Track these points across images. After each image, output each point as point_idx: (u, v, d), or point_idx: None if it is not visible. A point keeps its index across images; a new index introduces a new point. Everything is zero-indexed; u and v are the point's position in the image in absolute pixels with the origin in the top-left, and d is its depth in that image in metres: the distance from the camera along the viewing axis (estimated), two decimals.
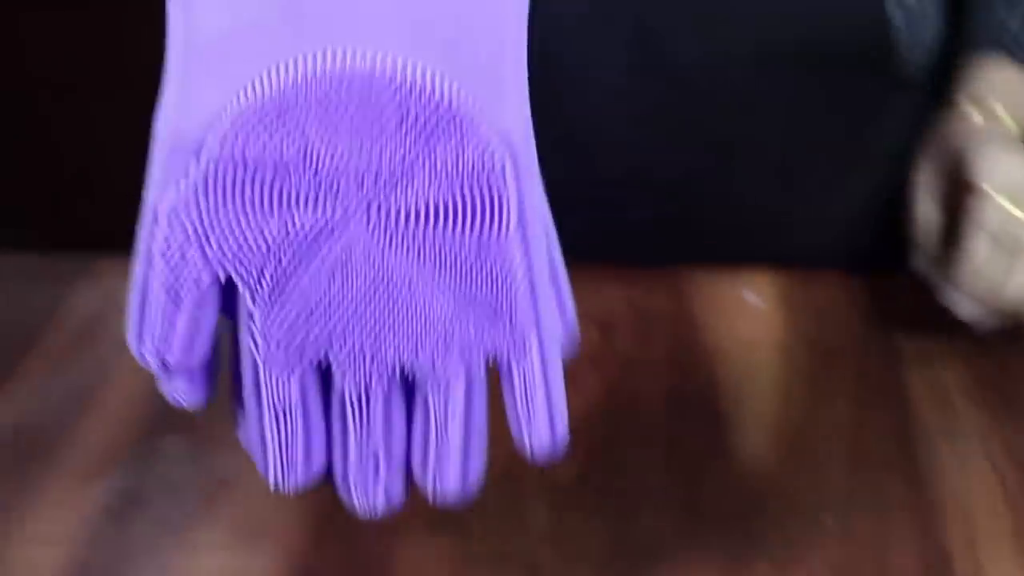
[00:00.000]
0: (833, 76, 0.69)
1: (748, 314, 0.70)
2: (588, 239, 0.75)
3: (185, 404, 0.46)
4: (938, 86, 0.71)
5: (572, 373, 0.65)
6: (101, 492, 0.61)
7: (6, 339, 0.72)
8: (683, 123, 0.72)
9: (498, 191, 0.41)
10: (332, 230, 0.41)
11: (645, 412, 0.63)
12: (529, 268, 0.42)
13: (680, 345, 0.68)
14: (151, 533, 0.59)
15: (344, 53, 0.40)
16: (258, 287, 0.42)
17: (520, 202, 0.41)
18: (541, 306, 0.43)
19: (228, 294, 0.44)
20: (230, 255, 0.42)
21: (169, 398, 0.46)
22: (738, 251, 0.75)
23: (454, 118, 0.40)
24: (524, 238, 0.42)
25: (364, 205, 0.41)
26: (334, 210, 0.41)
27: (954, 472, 0.59)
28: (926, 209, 0.67)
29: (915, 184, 0.68)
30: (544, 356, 0.44)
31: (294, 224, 0.41)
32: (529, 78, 0.70)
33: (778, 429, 0.62)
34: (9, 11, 1.17)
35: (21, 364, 0.70)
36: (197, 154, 0.41)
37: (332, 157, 0.40)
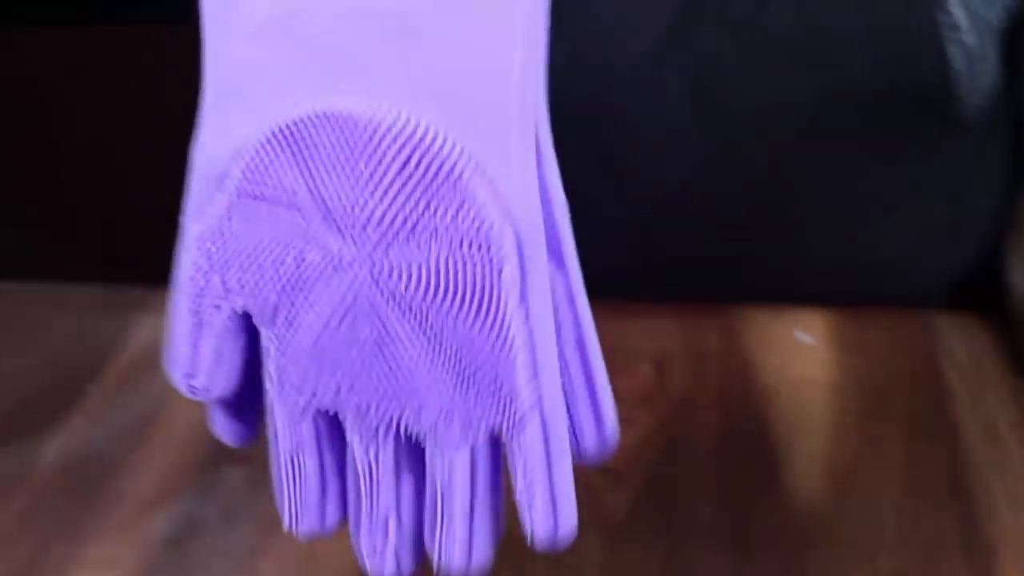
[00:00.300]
0: (892, 117, 0.70)
1: (800, 353, 0.70)
2: (644, 275, 0.76)
3: (226, 440, 0.47)
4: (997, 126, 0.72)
5: (626, 410, 0.66)
6: (161, 520, 0.62)
7: (69, 370, 0.74)
8: (744, 163, 0.72)
9: (495, 262, 0.39)
10: (340, 275, 0.41)
11: (697, 449, 0.64)
12: (531, 345, 0.40)
13: (733, 383, 0.68)
14: (210, 562, 0.60)
15: (353, 98, 0.39)
16: (272, 323, 0.42)
17: (522, 276, 0.39)
18: (546, 386, 0.40)
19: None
20: (247, 288, 0.42)
21: (216, 434, 0.47)
22: (791, 289, 0.75)
23: (454, 177, 0.39)
24: (526, 313, 0.40)
25: (368, 254, 0.40)
26: (341, 255, 0.40)
27: (1006, 511, 0.59)
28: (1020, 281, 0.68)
29: (1012, 254, 0.68)
30: (548, 438, 0.41)
31: (306, 263, 0.41)
32: (598, 118, 0.71)
33: (830, 467, 0.62)
34: (71, 45, 1.20)
35: (83, 394, 0.71)
36: (223, 185, 0.42)
37: (339, 202, 0.40)
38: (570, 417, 0.43)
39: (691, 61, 0.68)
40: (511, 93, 0.39)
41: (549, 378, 0.41)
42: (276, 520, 0.46)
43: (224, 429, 0.46)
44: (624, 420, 0.66)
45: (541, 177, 0.41)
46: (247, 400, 0.45)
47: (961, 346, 0.69)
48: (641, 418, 0.66)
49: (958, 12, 0.66)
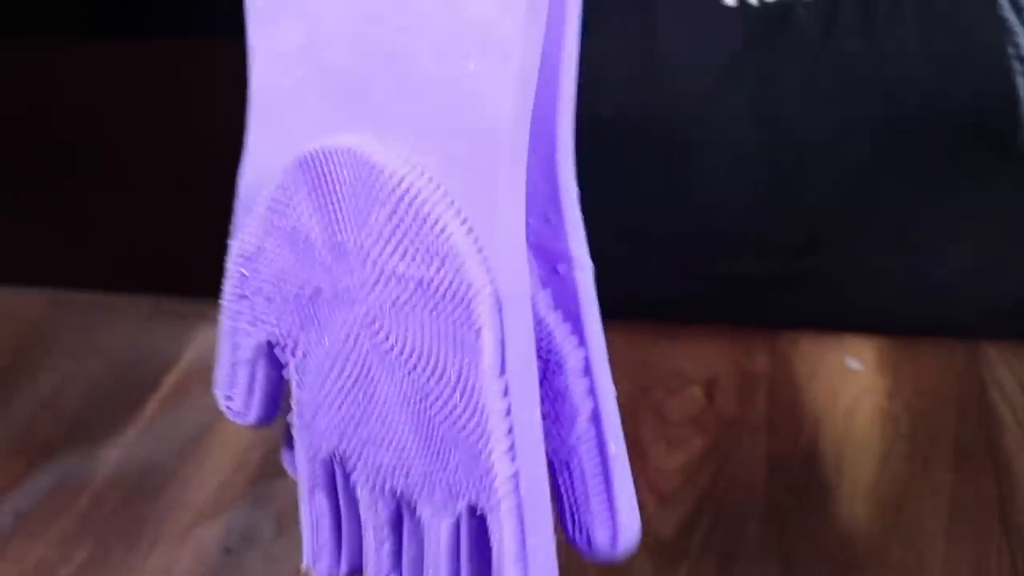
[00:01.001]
0: (952, 145, 0.70)
1: (849, 379, 0.70)
2: (698, 298, 0.77)
3: (290, 471, 0.46)
4: None
5: (678, 432, 0.67)
6: (217, 529, 0.63)
7: (128, 381, 0.75)
8: (804, 192, 0.73)
9: (475, 326, 0.36)
10: (344, 310, 0.39)
11: (746, 471, 0.64)
12: (509, 419, 0.36)
13: (782, 407, 0.69)
14: (263, 570, 0.61)
15: (361, 136, 0.38)
16: (292, 356, 0.42)
17: (500, 344, 0.36)
18: (525, 464, 0.37)
19: None
20: (273, 317, 0.42)
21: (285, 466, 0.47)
22: (843, 315, 0.76)
23: (438, 229, 0.37)
24: (505, 386, 0.36)
25: (365, 295, 0.39)
26: (348, 285, 0.39)
27: None
28: None
29: None
30: (523, 519, 0.37)
31: (320, 299, 0.40)
32: (664, 142, 0.71)
33: (877, 494, 0.62)
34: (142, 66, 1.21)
35: (142, 405, 0.73)
36: (255, 209, 0.42)
37: (346, 234, 0.39)
38: (581, 499, 0.40)
39: (755, 88, 0.69)
40: (500, 148, 0.36)
41: (530, 455, 0.37)
42: None
43: (285, 459, 0.46)
44: (674, 442, 0.67)
45: (564, 238, 0.39)
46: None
47: (1010, 376, 0.70)
48: (690, 440, 0.67)
49: None
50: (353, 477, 0.42)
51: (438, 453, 0.38)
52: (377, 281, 0.38)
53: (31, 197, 1.25)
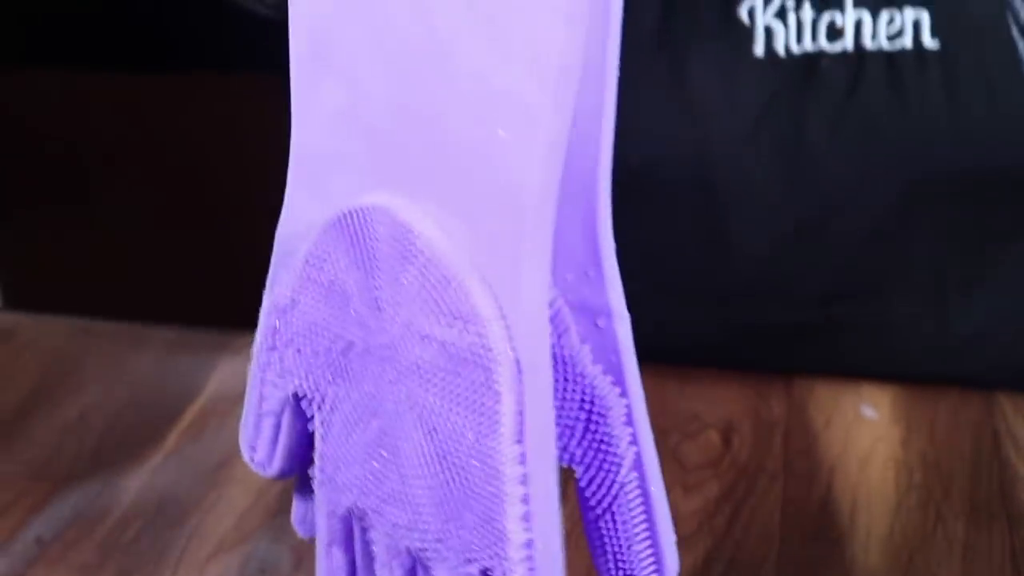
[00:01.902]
0: (974, 200, 0.71)
1: (865, 428, 0.71)
2: (718, 343, 0.78)
3: (298, 531, 0.47)
4: None
5: (694, 476, 0.68)
6: (237, 560, 0.64)
7: (151, 410, 0.76)
8: (828, 243, 0.74)
9: (496, 394, 0.36)
10: (374, 366, 0.40)
11: (761, 517, 0.65)
12: (526, 493, 0.36)
13: (797, 453, 0.69)
14: None
15: (395, 197, 0.39)
16: (319, 410, 0.42)
17: (519, 411, 0.36)
18: (539, 531, 0.37)
19: None
20: (302, 370, 0.42)
21: (293, 524, 0.47)
22: (860, 364, 0.76)
23: (463, 292, 0.37)
24: (524, 456, 0.36)
25: (394, 352, 0.39)
26: (379, 349, 0.39)
27: None
28: None
29: None
30: None
31: (350, 348, 0.41)
32: (691, 190, 0.72)
33: (890, 543, 0.63)
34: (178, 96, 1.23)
35: (165, 435, 0.74)
36: (292, 264, 0.42)
37: (380, 292, 0.39)
38: (624, 546, 0.40)
39: (782, 139, 0.70)
40: (525, 215, 0.36)
41: (545, 523, 0.37)
42: None
43: (298, 520, 0.46)
44: (690, 486, 0.67)
45: (602, 291, 0.40)
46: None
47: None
48: (706, 484, 0.67)
49: None
50: (370, 534, 0.42)
51: (453, 515, 0.38)
52: (404, 339, 0.38)
53: (61, 228, 1.27)
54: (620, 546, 0.40)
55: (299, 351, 0.42)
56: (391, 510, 0.40)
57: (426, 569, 0.40)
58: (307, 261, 0.42)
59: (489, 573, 0.38)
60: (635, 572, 0.40)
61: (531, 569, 0.37)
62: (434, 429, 0.38)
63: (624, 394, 0.40)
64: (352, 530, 0.43)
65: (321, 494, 0.43)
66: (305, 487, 0.45)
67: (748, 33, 0.70)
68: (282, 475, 0.45)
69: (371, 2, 0.39)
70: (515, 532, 0.36)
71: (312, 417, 0.43)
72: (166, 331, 0.84)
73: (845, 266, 0.75)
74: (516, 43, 0.35)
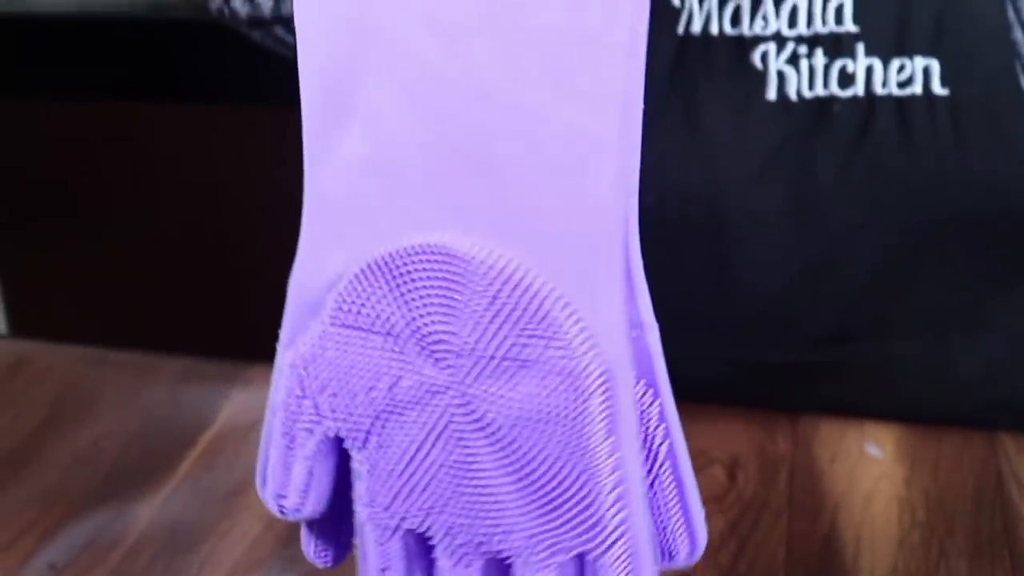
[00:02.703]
0: (980, 242, 0.72)
1: (869, 465, 0.72)
2: (724, 382, 0.78)
3: (318, 562, 0.47)
4: None
5: None
6: None
7: (164, 439, 0.77)
8: (836, 283, 0.74)
9: (586, 397, 0.40)
10: (432, 402, 0.41)
11: (765, 553, 0.65)
12: (619, 480, 0.40)
13: (802, 490, 0.70)
14: None
15: (447, 234, 0.40)
16: (363, 447, 0.43)
17: (610, 414, 0.40)
18: (634, 512, 0.41)
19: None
20: (341, 413, 0.43)
21: (307, 556, 0.47)
22: (865, 403, 0.77)
23: (541, 313, 0.39)
24: (616, 445, 0.40)
25: (460, 380, 0.41)
26: (436, 376, 0.41)
27: None
28: None
29: None
30: (632, 560, 0.41)
31: (400, 389, 0.42)
32: (701, 229, 0.73)
33: None
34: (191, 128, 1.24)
35: (178, 464, 0.74)
36: (318, 314, 0.43)
37: (433, 329, 0.41)
38: (662, 525, 0.44)
39: (793, 181, 0.71)
40: (600, 234, 0.39)
41: (636, 501, 0.41)
42: None
43: (315, 551, 0.47)
44: None
45: (633, 303, 0.41)
46: (337, 522, 0.46)
47: None
48: (711, 519, 0.67)
49: None
50: (438, 547, 0.43)
51: (542, 513, 0.41)
52: (476, 367, 0.40)
53: (76, 259, 1.28)
54: (658, 527, 0.44)
55: (335, 395, 0.43)
56: (468, 522, 0.42)
57: (502, 570, 0.43)
58: (339, 308, 0.42)
59: (585, 555, 0.41)
60: (674, 548, 0.44)
61: (628, 547, 0.40)
62: (514, 443, 0.40)
63: (657, 394, 0.43)
64: (407, 554, 0.44)
65: (374, 526, 0.44)
66: (324, 521, 0.46)
67: (761, 77, 0.71)
68: (312, 516, 0.45)
69: (394, 50, 0.40)
70: (612, 518, 0.40)
71: (352, 455, 0.44)
72: (178, 361, 0.85)
73: (852, 306, 0.76)
74: (576, 80, 0.38)
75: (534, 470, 0.41)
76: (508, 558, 0.43)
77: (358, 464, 0.43)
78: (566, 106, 0.38)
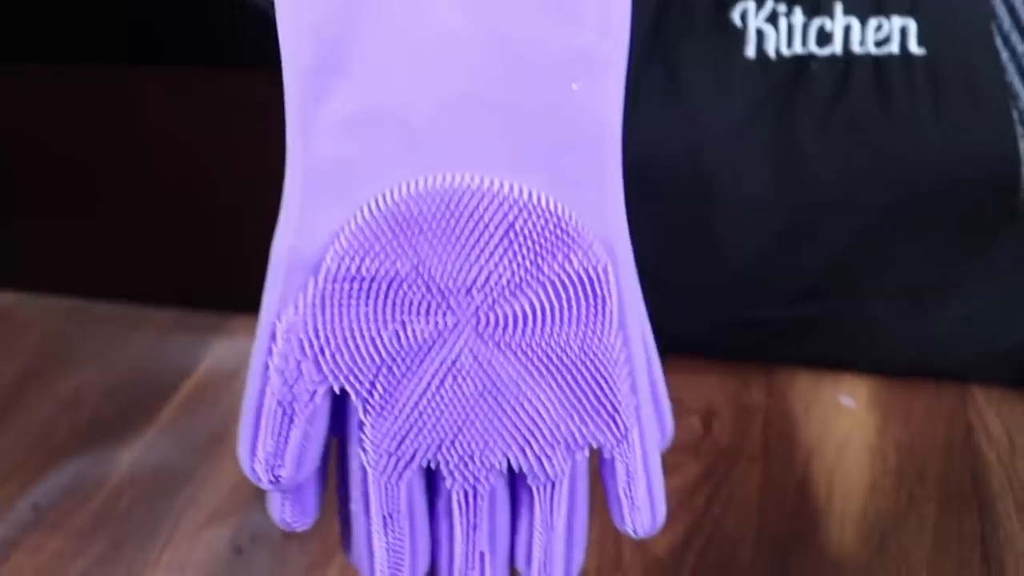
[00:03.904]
0: (957, 202, 0.72)
1: (842, 415, 0.73)
2: (701, 338, 0.79)
3: (294, 527, 0.47)
4: None
5: (674, 458, 0.69)
6: (229, 529, 0.66)
7: (146, 387, 0.77)
8: (813, 241, 0.75)
9: (601, 295, 0.43)
10: (443, 339, 0.43)
11: (740, 498, 0.66)
12: (631, 366, 0.44)
13: (776, 439, 0.71)
14: (273, 570, 0.63)
15: (453, 174, 0.42)
16: (369, 397, 0.44)
17: (620, 304, 0.44)
18: (641, 401, 0.45)
19: (335, 409, 0.45)
20: (344, 368, 0.43)
21: (277, 521, 0.47)
22: (839, 358, 0.78)
23: (559, 232, 0.42)
24: (625, 338, 0.44)
25: (473, 313, 0.43)
26: (445, 320, 0.43)
27: None
28: None
29: None
30: (645, 449, 0.45)
31: (407, 335, 0.43)
32: (682, 187, 0.74)
33: (864, 524, 0.65)
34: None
35: (160, 411, 0.75)
36: (315, 273, 0.42)
37: (443, 270, 0.42)
38: (621, 493, 0.46)
39: (772, 139, 0.71)
40: (608, 146, 0.43)
41: (643, 389, 0.45)
42: (336, 537, 0.49)
43: (292, 514, 0.47)
44: (671, 467, 0.69)
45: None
46: (311, 483, 0.46)
47: (997, 420, 0.72)
48: (687, 466, 0.69)
49: None
50: (449, 478, 0.45)
51: (562, 414, 0.44)
52: (492, 294, 0.43)
53: (60, 213, 1.29)
54: (622, 495, 0.46)
55: (337, 351, 0.43)
56: (486, 444, 0.45)
57: (509, 489, 0.47)
58: (340, 262, 0.42)
59: (602, 450, 0.45)
60: (635, 517, 0.46)
61: (641, 430, 0.45)
62: (537, 352, 0.44)
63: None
64: (412, 499, 0.46)
65: (379, 472, 0.45)
66: (305, 485, 0.46)
67: (740, 35, 0.72)
68: (302, 480, 0.45)
69: (393, 5, 0.41)
70: (626, 402, 0.44)
71: (356, 407, 0.44)
72: (161, 313, 0.86)
73: (830, 264, 0.77)
74: (585, 8, 0.42)
75: (555, 374, 0.44)
76: (517, 475, 0.46)
77: (362, 415, 0.44)
78: (577, 33, 0.41)
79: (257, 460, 0.44)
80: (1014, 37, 0.69)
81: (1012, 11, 0.69)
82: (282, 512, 0.47)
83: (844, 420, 0.73)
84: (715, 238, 0.76)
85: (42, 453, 0.72)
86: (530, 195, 0.42)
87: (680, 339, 0.79)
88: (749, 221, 0.75)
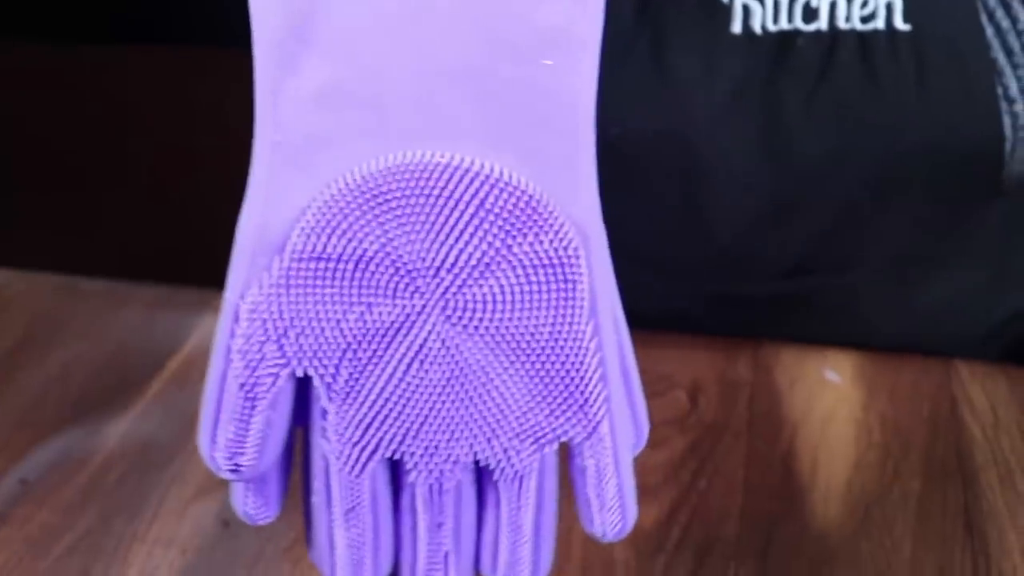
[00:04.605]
0: (941, 179, 0.73)
1: (828, 390, 0.73)
2: (687, 313, 0.80)
3: (256, 519, 0.46)
4: None
5: (660, 432, 0.70)
6: (215, 504, 0.66)
7: (134, 363, 0.77)
8: (803, 213, 0.75)
9: (572, 280, 0.42)
10: (410, 323, 0.42)
11: (725, 471, 0.67)
12: (600, 356, 0.43)
13: (762, 413, 0.71)
14: (259, 545, 0.63)
15: (423, 151, 0.41)
16: (333, 383, 0.43)
17: (592, 291, 0.43)
18: (612, 393, 0.44)
19: (300, 396, 0.44)
20: (308, 351, 0.42)
21: (239, 513, 0.46)
22: (825, 333, 0.78)
23: (530, 211, 0.41)
24: (596, 327, 0.43)
25: (441, 296, 0.42)
26: (412, 302, 0.42)
27: (1016, 551, 0.62)
28: None
29: None
30: (616, 445, 0.44)
31: (372, 317, 0.42)
32: (669, 164, 0.74)
33: (849, 497, 0.65)
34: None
35: (148, 385, 0.75)
36: (281, 251, 0.42)
37: (411, 250, 0.41)
38: (589, 496, 0.45)
39: (758, 113, 0.72)
40: (581, 125, 0.42)
41: (614, 381, 0.44)
42: None
43: (254, 507, 0.46)
44: (657, 441, 0.69)
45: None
46: (273, 473, 0.46)
47: (981, 394, 0.72)
48: (673, 439, 0.69)
49: (1013, 84, 0.70)
50: (413, 470, 0.44)
51: (530, 403, 0.43)
52: (461, 274, 0.42)
53: (48, 190, 1.29)
54: (590, 497, 0.45)
55: (301, 333, 0.42)
56: (452, 436, 0.44)
57: (475, 485, 0.46)
58: (306, 241, 0.41)
59: (571, 444, 0.44)
60: (603, 520, 0.46)
61: (611, 423, 0.44)
62: (506, 337, 0.43)
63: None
64: (375, 491, 0.45)
65: (342, 461, 0.44)
66: (265, 476, 0.45)
67: (726, 11, 0.72)
68: (263, 470, 0.44)
69: None
70: (596, 392, 0.43)
71: (319, 394, 0.44)
72: (149, 290, 0.86)
73: (815, 240, 0.77)
74: None
75: (524, 361, 0.43)
76: (484, 472, 0.45)
77: (325, 402, 0.43)
78: (550, 6, 0.41)
79: (217, 447, 0.43)
80: (999, 13, 0.69)
81: None
82: (244, 504, 0.46)
83: (829, 395, 0.73)
84: (702, 214, 0.77)
85: (30, 428, 0.72)
86: (501, 172, 0.41)
87: (667, 315, 0.80)
88: (736, 196, 0.76)
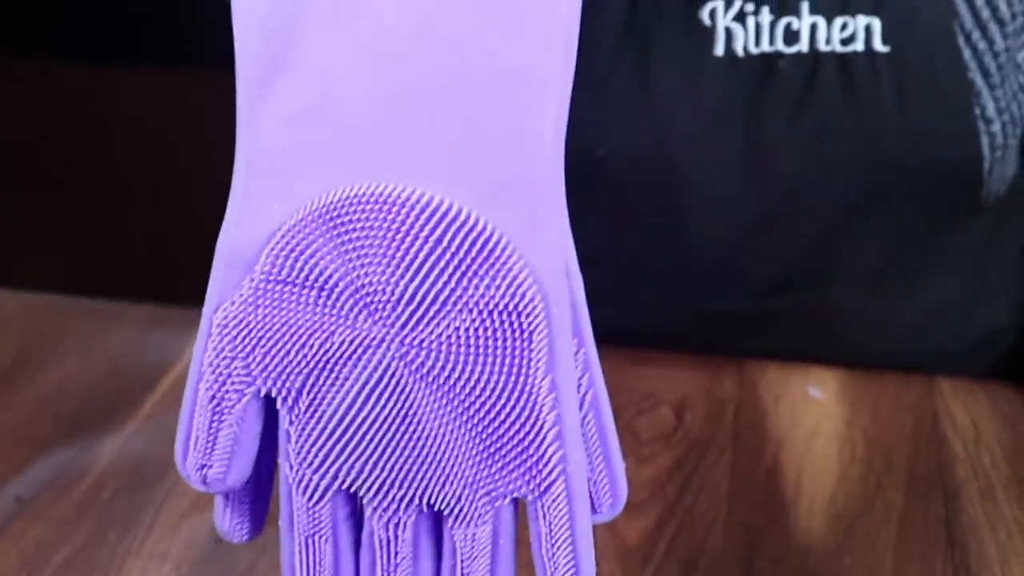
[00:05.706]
0: (921, 195, 0.74)
1: (811, 406, 0.74)
2: (672, 330, 0.81)
3: (233, 537, 0.46)
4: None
5: (647, 448, 0.71)
6: (209, 519, 0.66)
7: (127, 381, 0.78)
8: (782, 234, 0.77)
9: (529, 331, 0.40)
10: (370, 352, 0.41)
11: (711, 486, 0.68)
12: (558, 414, 0.41)
13: (746, 429, 0.72)
14: (252, 559, 0.64)
15: (386, 183, 0.40)
16: (294, 406, 0.43)
17: (550, 347, 0.41)
18: (570, 451, 0.41)
19: (273, 418, 0.44)
20: (272, 371, 0.42)
21: (219, 530, 0.47)
22: (808, 349, 0.80)
23: (487, 254, 0.40)
24: (554, 383, 0.41)
25: (400, 329, 0.41)
26: (371, 332, 0.41)
27: (996, 563, 0.63)
28: None
29: None
30: (571, 498, 0.41)
31: (334, 341, 0.41)
32: (654, 182, 0.75)
33: (833, 511, 0.66)
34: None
35: (140, 404, 0.76)
36: (252, 270, 0.42)
37: (372, 281, 0.41)
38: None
39: (741, 134, 0.73)
40: (542, 170, 0.40)
41: (573, 440, 0.41)
42: None
43: (232, 525, 0.46)
44: (643, 457, 0.71)
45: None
46: (254, 494, 0.46)
47: (963, 410, 0.74)
48: (659, 455, 0.70)
49: (990, 105, 0.71)
50: (370, 506, 0.44)
51: (482, 457, 0.42)
52: (416, 313, 0.41)
53: (42, 209, 1.30)
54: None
55: (266, 353, 0.42)
56: (406, 476, 0.43)
57: (434, 528, 0.44)
58: (273, 262, 0.42)
59: (525, 500, 0.42)
60: (597, 500, 0.44)
61: (567, 485, 0.41)
62: (458, 382, 0.41)
63: (581, 343, 0.43)
64: (335, 518, 0.44)
65: (303, 488, 0.44)
66: (242, 493, 0.46)
67: (709, 34, 0.73)
68: (234, 486, 0.44)
69: (337, 2, 0.41)
70: (551, 451, 0.41)
71: (282, 417, 0.44)
72: (141, 308, 0.87)
73: (797, 257, 0.78)
74: (526, 22, 0.40)
75: (475, 414, 0.41)
76: (441, 514, 0.44)
77: (287, 424, 0.43)
78: (515, 46, 0.40)
79: (188, 458, 0.44)
80: (975, 35, 0.70)
81: (973, 10, 0.70)
82: (223, 520, 0.46)
83: (813, 411, 0.74)
84: (684, 230, 0.78)
85: (25, 445, 0.73)
86: (460, 211, 0.40)
87: (651, 330, 0.81)
88: (719, 214, 0.77)
